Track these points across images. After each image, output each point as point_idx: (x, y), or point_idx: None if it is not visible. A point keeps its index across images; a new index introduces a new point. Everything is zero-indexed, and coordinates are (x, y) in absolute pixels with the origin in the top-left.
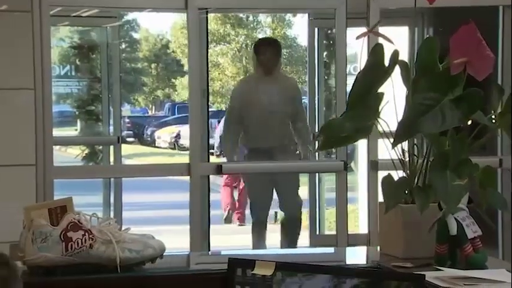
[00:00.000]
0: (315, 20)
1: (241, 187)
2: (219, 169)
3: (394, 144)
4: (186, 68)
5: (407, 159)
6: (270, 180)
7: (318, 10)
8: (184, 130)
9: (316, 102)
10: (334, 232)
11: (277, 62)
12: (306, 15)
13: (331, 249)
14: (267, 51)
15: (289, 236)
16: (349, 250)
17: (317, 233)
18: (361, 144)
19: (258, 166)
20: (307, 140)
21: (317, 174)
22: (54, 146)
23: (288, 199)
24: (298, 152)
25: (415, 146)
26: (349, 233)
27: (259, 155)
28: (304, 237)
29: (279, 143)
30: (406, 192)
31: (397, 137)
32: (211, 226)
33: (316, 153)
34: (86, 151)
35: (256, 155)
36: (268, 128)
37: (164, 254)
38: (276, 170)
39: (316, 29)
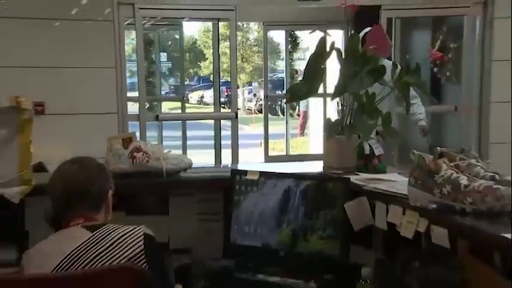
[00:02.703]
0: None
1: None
2: (156, 117)
3: (332, 98)
4: (207, 55)
5: (340, 108)
6: None
7: None
8: (207, 93)
9: (285, 76)
10: (277, 153)
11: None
12: None
13: (291, 164)
14: None
15: None
16: (306, 164)
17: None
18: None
19: (182, 115)
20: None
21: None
22: (128, 102)
23: None
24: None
25: (344, 100)
26: (304, 153)
27: None
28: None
29: None
30: (340, 128)
31: (334, 94)
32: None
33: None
34: (147, 105)
35: None
36: None
37: (192, 166)
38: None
39: (284, 30)
